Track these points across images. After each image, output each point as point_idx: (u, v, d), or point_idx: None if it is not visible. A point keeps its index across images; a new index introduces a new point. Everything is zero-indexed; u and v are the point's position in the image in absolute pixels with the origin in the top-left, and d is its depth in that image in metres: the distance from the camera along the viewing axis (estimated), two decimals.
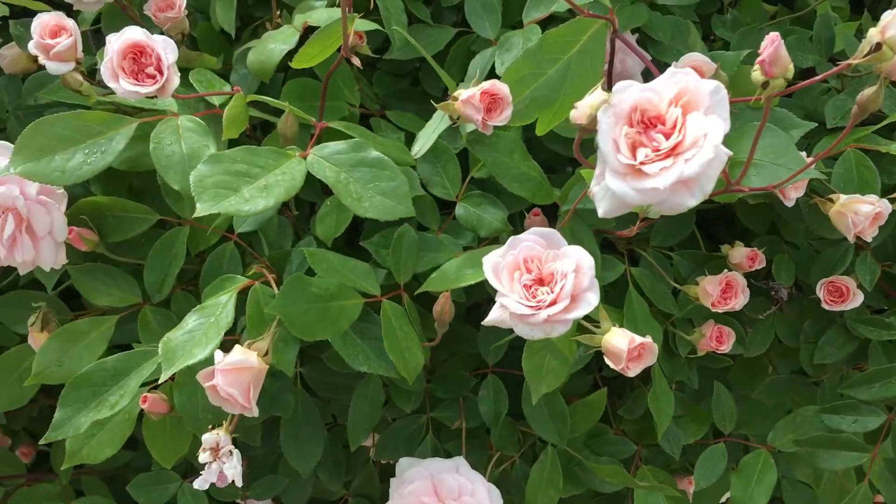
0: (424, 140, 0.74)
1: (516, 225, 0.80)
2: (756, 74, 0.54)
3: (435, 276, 0.73)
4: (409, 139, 0.81)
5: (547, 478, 0.84)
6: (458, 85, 0.76)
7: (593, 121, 0.49)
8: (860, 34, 1.00)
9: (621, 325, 0.79)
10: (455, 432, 0.89)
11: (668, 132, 0.48)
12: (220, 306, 0.63)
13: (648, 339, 0.67)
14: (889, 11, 0.50)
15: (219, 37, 0.90)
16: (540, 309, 0.57)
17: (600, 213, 0.52)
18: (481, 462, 0.89)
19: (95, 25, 0.89)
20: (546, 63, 0.66)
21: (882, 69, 0.53)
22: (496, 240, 0.80)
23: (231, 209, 0.56)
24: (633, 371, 0.68)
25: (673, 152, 0.47)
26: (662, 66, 0.90)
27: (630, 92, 0.48)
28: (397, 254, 0.75)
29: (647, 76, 0.87)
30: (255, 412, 0.60)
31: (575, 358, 0.74)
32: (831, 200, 0.75)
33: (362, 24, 0.76)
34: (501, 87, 0.64)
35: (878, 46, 0.51)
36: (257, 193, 0.58)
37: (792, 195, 0.75)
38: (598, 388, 0.96)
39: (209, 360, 0.59)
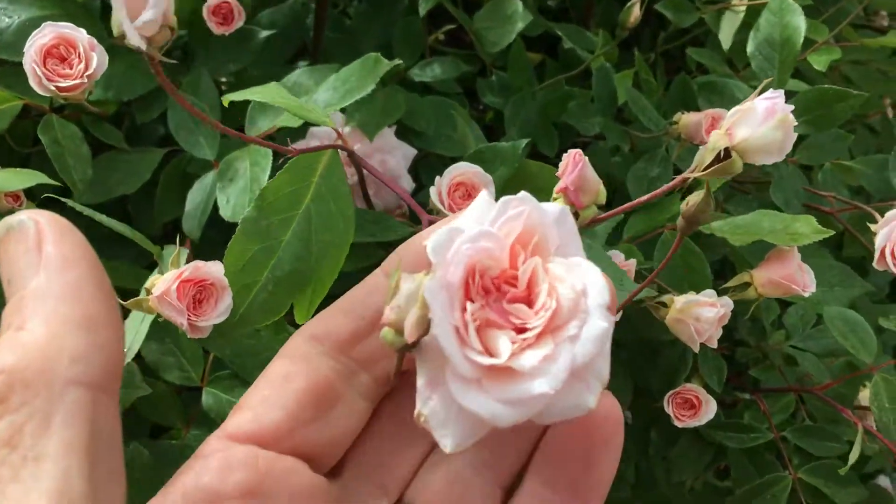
0: (129, 342, 0.51)
1: None
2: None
3: None
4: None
5: None
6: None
7: (423, 319, 0.27)
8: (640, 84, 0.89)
9: None
10: None
11: (524, 296, 0.28)
12: None
13: None
14: (719, 110, 0.35)
15: None
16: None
17: (449, 447, 0.29)
18: None
19: None
20: (277, 228, 0.45)
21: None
22: None
23: None
24: None
25: (549, 328, 0.28)
26: (435, 158, 0.74)
27: (458, 247, 0.27)
28: None
29: (414, 172, 0.71)
30: None
31: None
32: (664, 304, 0.62)
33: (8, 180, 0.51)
34: (211, 269, 0.42)
35: (728, 153, 0.35)
36: None
37: None
38: None
39: None
